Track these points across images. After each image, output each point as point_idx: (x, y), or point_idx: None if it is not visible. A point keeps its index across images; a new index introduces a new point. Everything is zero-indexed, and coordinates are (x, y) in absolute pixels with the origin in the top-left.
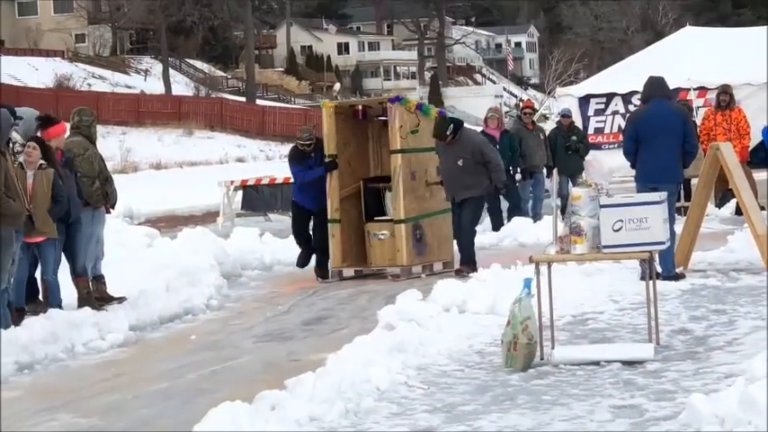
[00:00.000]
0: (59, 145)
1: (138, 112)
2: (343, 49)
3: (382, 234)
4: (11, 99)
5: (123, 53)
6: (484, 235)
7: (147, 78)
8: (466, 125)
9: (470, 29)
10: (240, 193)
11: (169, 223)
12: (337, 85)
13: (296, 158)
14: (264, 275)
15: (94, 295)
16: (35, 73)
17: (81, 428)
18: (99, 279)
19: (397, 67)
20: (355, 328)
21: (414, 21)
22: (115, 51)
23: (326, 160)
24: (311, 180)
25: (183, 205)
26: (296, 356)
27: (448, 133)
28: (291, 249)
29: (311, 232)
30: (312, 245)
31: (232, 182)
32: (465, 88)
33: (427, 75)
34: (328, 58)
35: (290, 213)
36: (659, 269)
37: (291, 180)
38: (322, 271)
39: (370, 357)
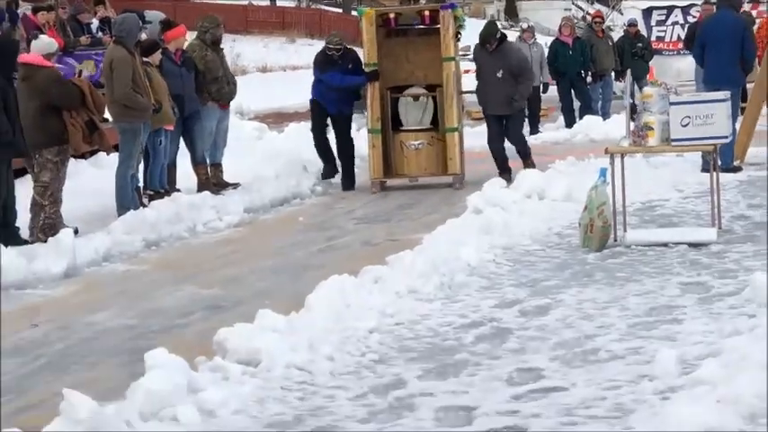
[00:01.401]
0: (179, 46)
1: (246, 21)
2: None
3: (419, 143)
4: (136, 6)
5: None
6: (558, 132)
7: None
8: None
9: None
10: None
11: (276, 119)
12: None
13: (325, 62)
14: (363, 164)
15: (212, 181)
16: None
17: (204, 298)
18: (217, 167)
19: None
20: (446, 212)
21: None
22: None
23: (368, 70)
24: (347, 86)
25: (288, 104)
26: (394, 236)
27: (497, 37)
28: None
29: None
30: (334, 155)
31: None
32: (537, 2)
33: None
34: None
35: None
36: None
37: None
38: (348, 181)
39: (460, 237)
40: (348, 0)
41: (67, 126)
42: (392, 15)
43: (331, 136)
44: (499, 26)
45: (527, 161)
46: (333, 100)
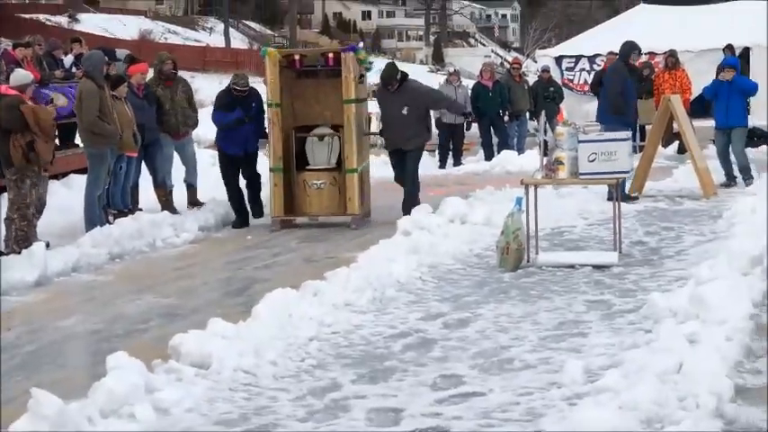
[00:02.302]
0: (140, 80)
1: (203, 60)
2: (366, 15)
3: (321, 183)
4: (108, 44)
5: (193, 14)
6: (478, 164)
7: (211, 34)
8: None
9: (467, 2)
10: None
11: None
12: (361, 44)
13: (226, 104)
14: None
15: (189, 200)
16: (123, 28)
17: (161, 307)
18: (191, 188)
19: (408, 31)
20: (377, 234)
21: None
22: (187, 12)
23: (268, 110)
24: (229, 124)
25: None
26: (331, 254)
27: (397, 78)
28: None
29: (243, 188)
30: (247, 207)
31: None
32: (461, 49)
33: (431, 38)
34: (354, 22)
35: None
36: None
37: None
38: (240, 220)
39: (391, 256)
40: (294, 44)
41: (10, 147)
42: (297, 57)
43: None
44: (398, 67)
45: (410, 202)
46: (232, 140)
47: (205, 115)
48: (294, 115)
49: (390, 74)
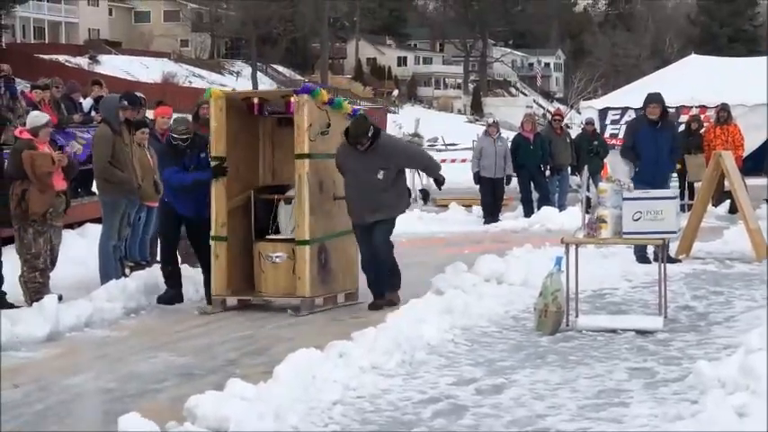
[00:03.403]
0: (164, 125)
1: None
2: (402, 61)
3: (277, 256)
4: (132, 87)
5: (219, 57)
6: (516, 220)
7: (237, 79)
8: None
9: (508, 50)
10: None
11: None
12: (395, 92)
13: (169, 155)
14: None
15: None
16: (146, 70)
17: (177, 365)
18: None
19: (446, 79)
20: (409, 293)
21: (461, 41)
22: (213, 55)
23: (213, 163)
24: (193, 185)
25: None
26: (358, 314)
27: (369, 135)
28: None
29: (189, 251)
30: (181, 280)
31: None
32: (501, 99)
33: (470, 86)
34: (389, 68)
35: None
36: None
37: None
38: (169, 296)
39: (422, 317)
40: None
41: (9, 195)
42: (256, 101)
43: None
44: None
45: (392, 295)
46: (190, 200)
47: None
48: (255, 173)
49: (360, 129)
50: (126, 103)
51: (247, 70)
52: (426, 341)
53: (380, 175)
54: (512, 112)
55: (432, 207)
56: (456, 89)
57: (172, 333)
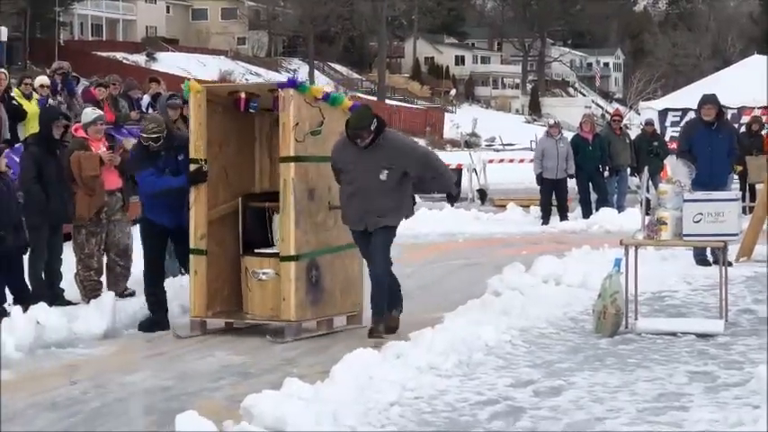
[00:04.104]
0: None
1: None
2: (460, 60)
3: (264, 273)
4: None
5: (276, 55)
6: (575, 221)
7: (295, 77)
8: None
9: (567, 49)
10: None
11: None
12: (453, 91)
13: (142, 159)
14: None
15: None
16: (203, 68)
17: (234, 364)
18: None
19: (504, 79)
20: (467, 293)
21: (520, 40)
22: (270, 53)
23: (192, 167)
24: (163, 191)
25: None
26: (416, 314)
27: (372, 128)
28: (414, 224)
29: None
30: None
31: None
32: (559, 99)
33: (528, 86)
34: (447, 67)
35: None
36: (714, 257)
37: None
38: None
39: (480, 318)
40: (383, 88)
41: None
42: (243, 95)
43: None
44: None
45: (379, 295)
46: (166, 209)
47: None
48: (249, 177)
49: (361, 121)
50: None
51: (305, 68)
52: (484, 342)
53: (383, 176)
54: (570, 112)
55: (489, 207)
56: (514, 89)
57: (230, 331)
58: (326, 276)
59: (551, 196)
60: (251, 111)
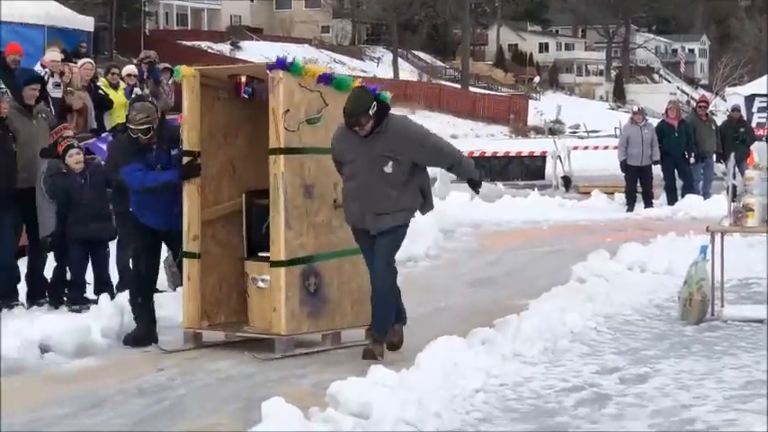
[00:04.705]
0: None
1: None
2: (544, 48)
3: (263, 280)
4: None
5: (360, 43)
6: (660, 208)
7: (378, 65)
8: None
9: (651, 35)
10: None
11: None
12: (537, 78)
13: (129, 152)
14: (474, 232)
15: None
16: (287, 57)
17: (319, 353)
18: None
19: (588, 66)
20: (551, 280)
21: (604, 27)
22: (354, 41)
23: (185, 161)
24: (153, 187)
25: None
26: (501, 300)
27: (371, 113)
28: (498, 211)
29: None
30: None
31: None
32: (644, 86)
33: (612, 73)
34: (530, 55)
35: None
36: None
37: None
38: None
39: (565, 304)
40: (466, 76)
41: None
42: (243, 79)
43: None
44: (373, 95)
45: (384, 310)
46: (156, 210)
47: None
48: (258, 171)
49: (358, 106)
50: None
51: (388, 56)
52: (569, 329)
53: (388, 168)
54: (654, 98)
55: (574, 194)
56: (598, 75)
57: None
58: (331, 284)
59: (636, 183)
60: (245, 96)
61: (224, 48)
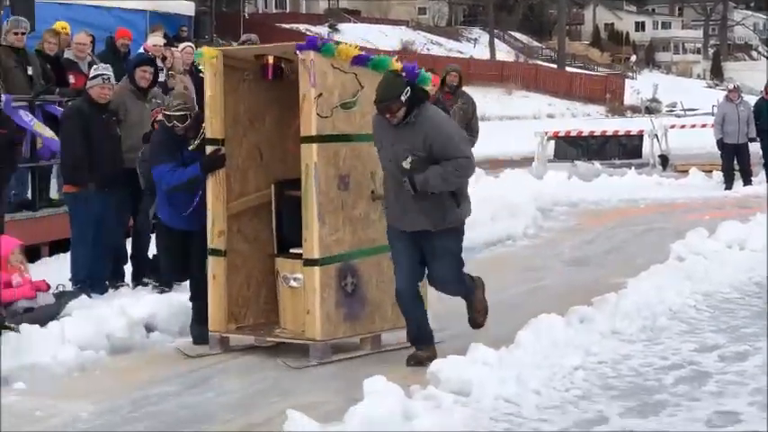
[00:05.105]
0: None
1: (467, 73)
2: (640, 27)
3: (295, 279)
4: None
5: (457, 24)
6: (759, 185)
7: (475, 46)
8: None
9: (750, 12)
10: (552, 143)
11: (492, 165)
12: (633, 57)
13: (166, 148)
14: (571, 211)
15: None
16: (384, 38)
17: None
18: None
19: (685, 44)
20: (649, 258)
21: (701, 4)
22: (450, 23)
23: (208, 151)
24: (179, 186)
25: (503, 151)
26: (599, 279)
27: (404, 99)
28: (595, 190)
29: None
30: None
31: (546, 133)
32: (742, 63)
33: (710, 51)
34: (627, 33)
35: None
36: None
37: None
38: (200, 328)
39: (663, 283)
40: (562, 56)
41: None
42: (270, 60)
43: None
44: (403, 78)
45: (473, 306)
46: (183, 209)
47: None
48: (290, 159)
49: (389, 92)
50: None
51: (485, 37)
52: (668, 307)
53: (406, 164)
54: (753, 76)
55: (671, 173)
56: (695, 54)
57: None
58: (370, 283)
59: (733, 161)
60: (273, 79)
61: (322, 30)
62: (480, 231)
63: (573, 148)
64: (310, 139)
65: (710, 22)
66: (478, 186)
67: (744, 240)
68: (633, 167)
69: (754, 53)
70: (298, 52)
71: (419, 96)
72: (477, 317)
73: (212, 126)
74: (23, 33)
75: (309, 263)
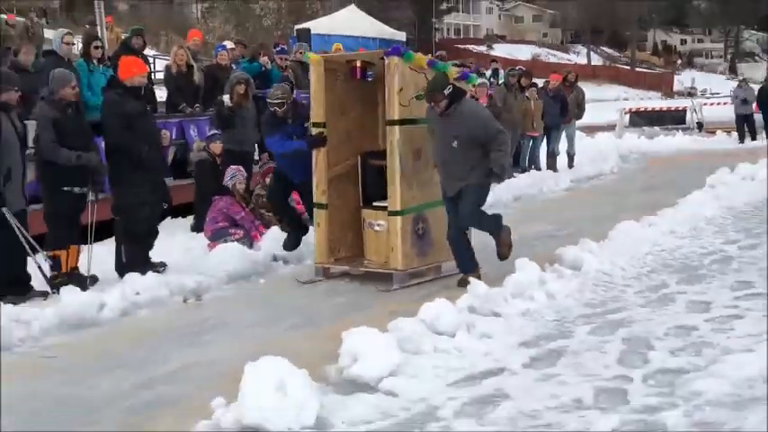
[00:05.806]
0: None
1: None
2: (683, 42)
3: (378, 225)
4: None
5: (566, 43)
6: (761, 141)
7: (578, 56)
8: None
9: (754, 31)
10: (627, 116)
11: (588, 130)
12: (679, 61)
13: (272, 125)
14: (641, 158)
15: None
16: (521, 52)
17: (548, 232)
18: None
19: (712, 52)
20: (693, 186)
21: (723, 27)
22: (562, 42)
23: (312, 132)
24: (287, 153)
25: (596, 122)
26: (660, 199)
27: (446, 93)
28: (656, 145)
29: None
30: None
31: (624, 109)
32: (749, 64)
33: (728, 56)
34: (675, 46)
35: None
36: None
37: None
38: (291, 245)
39: (702, 200)
40: (634, 61)
41: None
42: (358, 63)
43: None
44: (453, 75)
45: (499, 242)
46: (301, 166)
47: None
48: (371, 137)
49: (434, 85)
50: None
51: (584, 51)
52: (705, 215)
53: (455, 144)
54: (756, 72)
55: (704, 134)
56: (719, 58)
57: (546, 209)
58: (434, 228)
59: (744, 125)
60: (368, 79)
61: (482, 48)
62: (583, 170)
63: (641, 118)
64: (394, 123)
65: (729, 38)
66: (583, 144)
67: (753, 175)
68: (680, 130)
69: (757, 57)
70: (385, 58)
71: (458, 93)
72: (502, 250)
73: (317, 112)
74: (301, 54)
75: (393, 213)
